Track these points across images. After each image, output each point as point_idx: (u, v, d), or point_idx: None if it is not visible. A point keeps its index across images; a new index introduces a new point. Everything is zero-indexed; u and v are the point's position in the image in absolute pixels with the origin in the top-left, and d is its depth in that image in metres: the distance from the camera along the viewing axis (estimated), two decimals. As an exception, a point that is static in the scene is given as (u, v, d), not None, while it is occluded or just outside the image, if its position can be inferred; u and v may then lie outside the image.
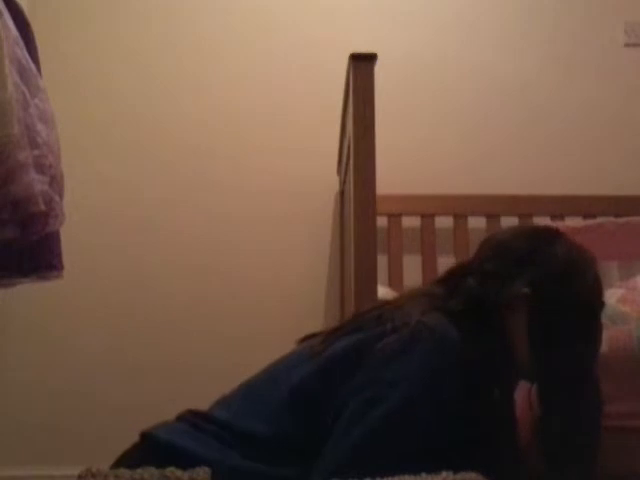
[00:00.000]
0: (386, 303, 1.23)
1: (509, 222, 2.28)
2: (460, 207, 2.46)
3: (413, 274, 2.32)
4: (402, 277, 2.36)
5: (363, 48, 1.64)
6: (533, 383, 1.23)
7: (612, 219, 2.30)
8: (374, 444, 1.02)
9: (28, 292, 1.85)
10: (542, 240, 1.23)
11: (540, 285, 1.17)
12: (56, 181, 1.58)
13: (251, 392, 1.18)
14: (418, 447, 1.02)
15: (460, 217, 2.44)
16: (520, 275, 1.18)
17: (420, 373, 1.05)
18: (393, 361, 1.06)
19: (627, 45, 2.66)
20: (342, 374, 1.09)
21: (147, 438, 1.14)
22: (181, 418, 1.17)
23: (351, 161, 1.65)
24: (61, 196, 1.61)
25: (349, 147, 1.75)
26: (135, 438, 1.16)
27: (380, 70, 1.60)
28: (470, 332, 1.11)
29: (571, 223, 2.29)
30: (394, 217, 2.43)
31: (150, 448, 1.12)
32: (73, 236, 1.85)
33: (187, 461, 1.00)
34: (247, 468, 1.05)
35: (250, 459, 1.06)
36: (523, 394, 1.26)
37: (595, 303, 1.22)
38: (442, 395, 1.05)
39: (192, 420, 1.15)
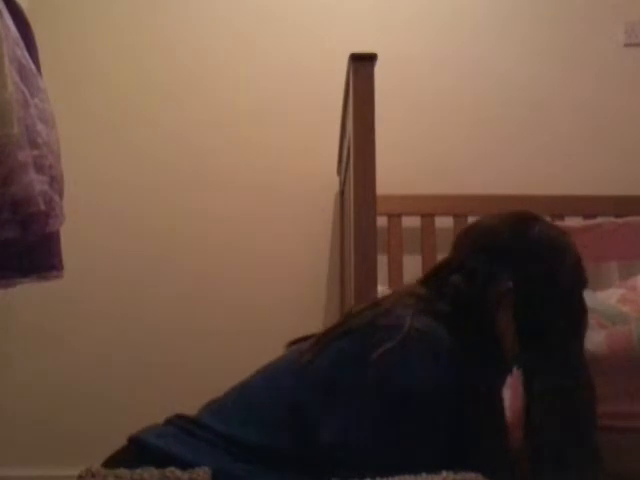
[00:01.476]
0: (375, 304, 1.22)
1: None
2: (460, 207, 2.46)
3: (413, 274, 2.31)
4: (402, 277, 2.36)
5: (363, 48, 1.63)
6: (519, 369, 1.22)
7: (612, 219, 2.31)
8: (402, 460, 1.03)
9: (28, 292, 1.85)
10: (519, 229, 1.22)
11: (523, 276, 1.17)
12: (56, 181, 1.58)
13: (243, 399, 1.17)
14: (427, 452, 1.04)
15: (460, 217, 2.43)
16: (502, 270, 1.18)
17: (421, 382, 1.05)
18: (394, 374, 1.06)
19: (627, 45, 2.66)
20: (336, 389, 1.08)
21: (136, 442, 1.12)
22: (170, 422, 1.16)
23: (351, 161, 1.65)
24: (61, 196, 1.62)
25: (349, 147, 1.75)
26: (135, 438, 1.16)
27: (380, 70, 1.60)
28: (460, 333, 1.11)
29: (571, 223, 2.29)
30: (394, 217, 2.43)
31: (139, 452, 1.10)
32: (73, 236, 1.85)
33: (178, 466, 0.99)
34: (243, 471, 1.05)
35: (244, 463, 1.06)
36: (518, 392, 1.26)
37: (578, 283, 1.22)
38: (445, 397, 1.06)
39: (182, 425, 1.13)
